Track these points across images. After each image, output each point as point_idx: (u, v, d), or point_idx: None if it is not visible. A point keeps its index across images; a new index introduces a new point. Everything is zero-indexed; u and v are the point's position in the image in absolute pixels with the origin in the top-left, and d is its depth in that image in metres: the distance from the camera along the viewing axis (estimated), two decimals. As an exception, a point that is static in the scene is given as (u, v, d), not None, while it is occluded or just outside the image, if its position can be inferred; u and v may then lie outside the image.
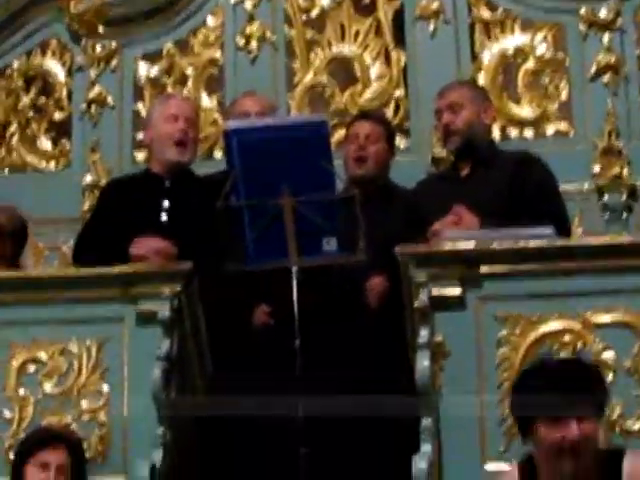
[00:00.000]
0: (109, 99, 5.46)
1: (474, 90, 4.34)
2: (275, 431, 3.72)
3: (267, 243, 3.55)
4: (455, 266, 3.47)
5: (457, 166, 4.20)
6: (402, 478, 3.37)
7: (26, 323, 3.74)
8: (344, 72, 5.34)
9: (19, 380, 3.71)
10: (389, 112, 5.21)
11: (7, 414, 3.69)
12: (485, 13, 5.25)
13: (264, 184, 3.52)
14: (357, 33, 5.36)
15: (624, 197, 4.90)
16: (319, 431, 3.49)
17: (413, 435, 3.41)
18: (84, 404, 3.67)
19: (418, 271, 3.47)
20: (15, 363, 3.72)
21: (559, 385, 2.73)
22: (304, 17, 5.41)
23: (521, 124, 5.15)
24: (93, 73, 5.48)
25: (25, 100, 5.63)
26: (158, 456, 3.52)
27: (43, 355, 3.71)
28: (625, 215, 4.90)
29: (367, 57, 5.33)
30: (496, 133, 4.91)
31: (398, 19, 5.32)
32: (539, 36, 5.20)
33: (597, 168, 4.94)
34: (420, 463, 3.28)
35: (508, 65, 5.22)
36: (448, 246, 3.51)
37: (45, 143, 5.61)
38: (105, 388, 3.67)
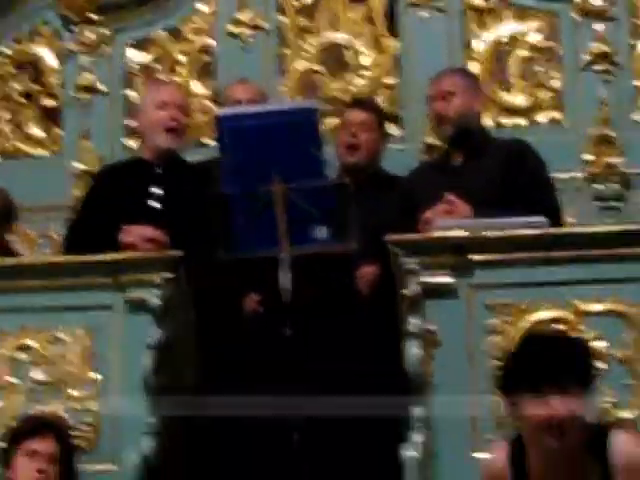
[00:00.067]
0: (100, 86, 5.43)
1: (466, 78, 4.31)
2: (266, 419, 3.71)
3: (258, 231, 3.55)
4: (446, 254, 3.45)
5: (450, 154, 4.19)
6: (393, 468, 3.37)
7: (15, 311, 3.72)
8: (336, 60, 5.32)
9: (8, 368, 3.70)
10: (381, 100, 5.19)
11: (-3, 402, 3.68)
12: (478, 1, 5.22)
13: (255, 171, 3.51)
14: (349, 20, 5.34)
15: (616, 186, 4.90)
16: (310, 419, 3.50)
17: (403, 425, 3.40)
18: (74, 392, 3.65)
19: (409, 259, 3.45)
20: (5, 351, 3.71)
21: (544, 361, 2.69)
22: (296, 4, 5.38)
23: (513, 112, 5.13)
24: (84, 60, 5.46)
25: (16, 86, 5.60)
26: (148, 445, 3.51)
27: (32, 343, 3.70)
28: (617, 204, 4.89)
29: (359, 45, 5.31)
30: (488, 121, 4.90)
31: (390, 6, 5.30)
32: (532, 24, 5.18)
33: (589, 157, 4.94)
34: (411, 451, 3.28)
35: (501, 53, 5.20)
36: (439, 234, 3.49)
37: (36, 130, 5.58)
38: (95, 376, 3.65)
